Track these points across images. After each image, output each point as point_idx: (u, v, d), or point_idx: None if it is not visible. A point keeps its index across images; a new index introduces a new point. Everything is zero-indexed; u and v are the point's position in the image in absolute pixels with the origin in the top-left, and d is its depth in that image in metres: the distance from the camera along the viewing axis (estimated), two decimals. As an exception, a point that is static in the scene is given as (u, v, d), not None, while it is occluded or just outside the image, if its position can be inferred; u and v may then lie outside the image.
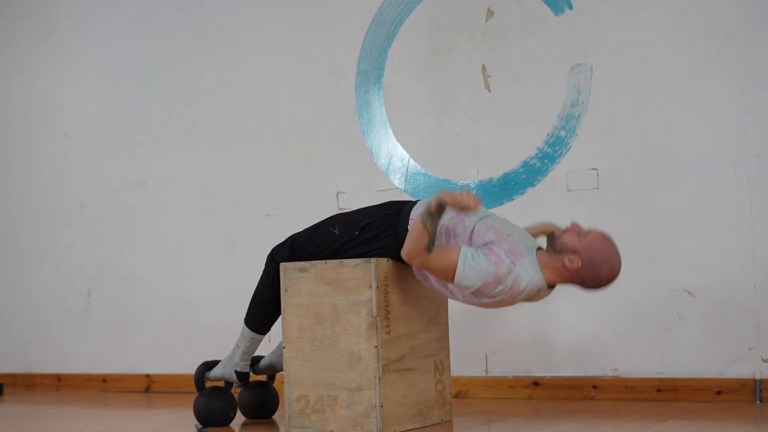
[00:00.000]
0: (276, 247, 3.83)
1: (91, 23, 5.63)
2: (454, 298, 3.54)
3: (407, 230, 3.55)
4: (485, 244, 3.45)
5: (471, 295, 3.46)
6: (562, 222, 4.37)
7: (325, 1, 4.94)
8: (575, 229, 3.49)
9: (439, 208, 3.39)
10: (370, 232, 3.64)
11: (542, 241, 3.69)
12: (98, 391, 5.44)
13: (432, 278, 3.55)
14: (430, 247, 3.41)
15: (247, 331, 3.89)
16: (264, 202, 5.06)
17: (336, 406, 3.58)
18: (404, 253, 3.46)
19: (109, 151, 5.55)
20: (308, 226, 3.83)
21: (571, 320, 4.35)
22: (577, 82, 4.35)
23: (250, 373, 4.01)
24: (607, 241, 3.46)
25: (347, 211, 3.91)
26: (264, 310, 3.85)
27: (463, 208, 3.36)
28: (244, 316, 3.89)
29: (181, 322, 5.29)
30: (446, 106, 4.62)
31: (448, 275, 3.43)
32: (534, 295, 3.52)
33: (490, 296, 3.43)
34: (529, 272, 3.43)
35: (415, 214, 3.59)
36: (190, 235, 5.29)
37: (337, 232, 3.70)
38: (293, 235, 3.81)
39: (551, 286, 3.53)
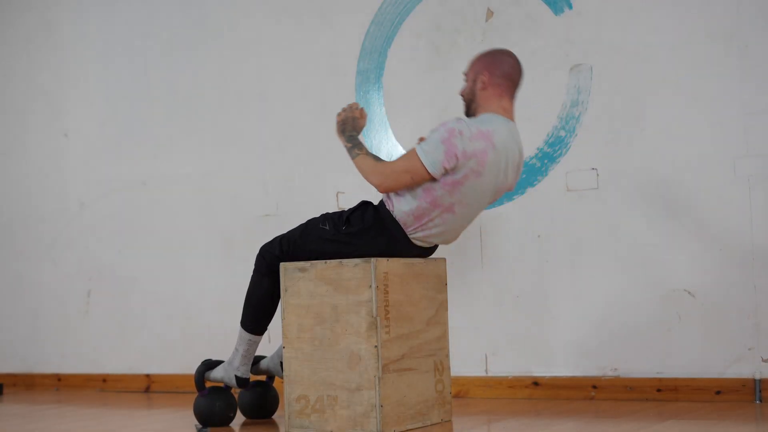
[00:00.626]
0: (265, 246, 3.83)
1: (91, 23, 5.63)
2: (446, 201, 3.59)
3: (388, 210, 3.65)
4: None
5: (452, 177, 3.54)
6: (561, 223, 4.37)
7: (325, 1, 4.94)
8: (464, 90, 3.75)
9: (346, 137, 3.72)
10: (357, 224, 3.65)
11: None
12: (98, 391, 5.44)
13: (421, 195, 3.58)
14: (377, 158, 3.64)
15: (244, 333, 3.89)
16: (264, 202, 5.06)
17: (336, 406, 3.58)
18: (375, 184, 3.60)
19: (109, 151, 5.55)
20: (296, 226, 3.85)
21: (571, 320, 4.35)
22: (577, 82, 4.35)
23: (250, 377, 4.02)
24: (481, 53, 3.76)
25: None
26: (258, 310, 3.85)
27: (353, 125, 3.72)
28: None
29: (181, 322, 5.29)
30: (446, 106, 4.62)
31: (418, 169, 3.53)
32: (511, 155, 3.67)
33: (463, 157, 3.52)
34: (475, 120, 3.61)
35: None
36: (190, 235, 5.29)
37: (327, 227, 3.70)
38: (281, 235, 3.82)
39: (507, 111, 3.72)
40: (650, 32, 4.22)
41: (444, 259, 3.86)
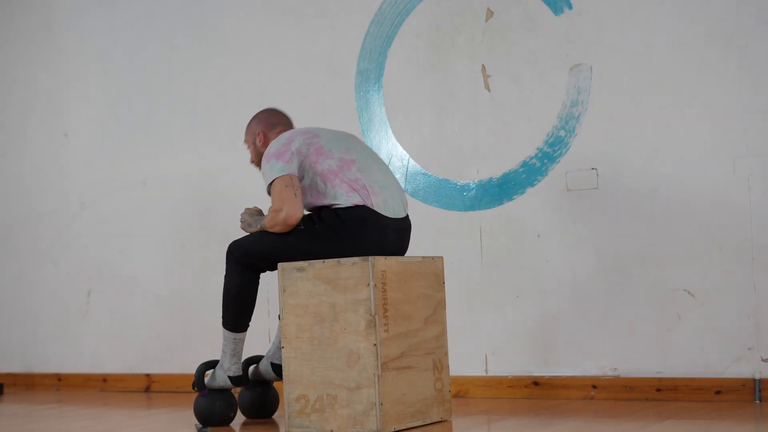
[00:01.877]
0: (233, 242, 3.87)
1: (91, 23, 5.64)
2: (333, 164, 3.75)
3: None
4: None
5: (310, 158, 3.75)
6: (561, 223, 4.37)
7: (325, 1, 4.94)
8: (252, 156, 4.10)
9: (254, 226, 3.90)
10: (330, 219, 3.69)
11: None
12: (98, 391, 5.44)
13: (319, 184, 3.73)
14: (261, 224, 3.83)
15: (228, 333, 3.90)
16: (264, 202, 5.05)
17: (335, 405, 3.58)
18: (285, 216, 3.68)
19: (109, 151, 5.55)
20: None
21: (571, 320, 4.35)
22: (576, 82, 4.35)
23: (247, 373, 4.01)
24: (251, 121, 4.11)
25: None
26: (237, 307, 3.86)
27: (250, 216, 3.93)
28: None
29: (181, 322, 5.30)
30: (446, 106, 4.62)
31: (284, 180, 3.71)
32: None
33: (293, 146, 3.78)
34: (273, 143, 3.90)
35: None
36: (190, 235, 5.29)
37: (302, 227, 3.72)
38: (252, 236, 3.85)
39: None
40: (650, 32, 4.22)
41: (441, 258, 3.86)
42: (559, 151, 4.38)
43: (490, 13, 4.54)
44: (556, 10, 4.40)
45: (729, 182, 4.07)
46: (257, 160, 4.07)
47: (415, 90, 4.71)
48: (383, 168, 3.86)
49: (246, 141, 4.10)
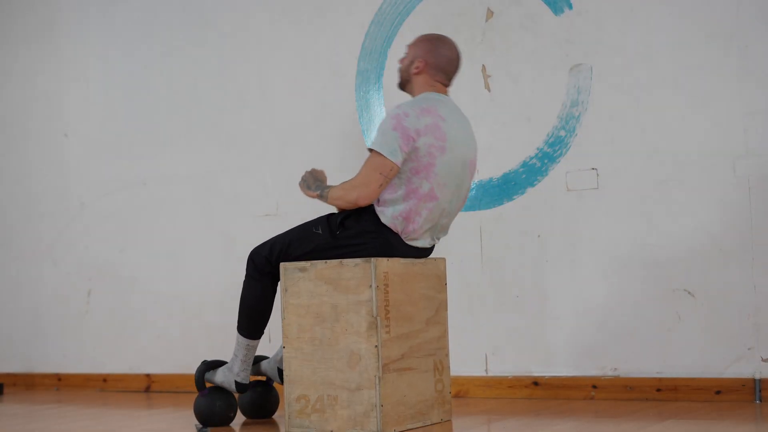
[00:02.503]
0: (255, 249, 3.83)
1: (91, 23, 5.63)
2: (425, 189, 3.61)
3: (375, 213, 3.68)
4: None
5: (420, 162, 3.58)
6: (561, 223, 4.37)
7: (325, 1, 4.94)
8: (401, 61, 3.84)
9: (313, 189, 3.78)
10: (353, 228, 3.66)
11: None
12: (98, 391, 5.44)
13: (400, 194, 3.61)
14: (324, 192, 3.72)
15: (242, 338, 3.89)
16: (264, 202, 5.06)
17: (336, 405, 3.58)
18: (355, 199, 3.61)
19: (109, 151, 5.55)
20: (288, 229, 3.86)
21: (571, 320, 4.35)
22: (576, 82, 4.35)
23: (249, 381, 4.02)
24: (426, 35, 3.84)
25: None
26: (253, 314, 3.85)
27: (314, 178, 3.82)
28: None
29: (181, 322, 5.30)
30: (446, 106, 4.62)
31: (382, 163, 3.56)
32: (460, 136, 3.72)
33: (417, 135, 3.57)
34: (413, 101, 3.70)
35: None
36: (190, 235, 5.29)
37: (320, 231, 3.70)
38: (273, 238, 3.82)
39: (440, 91, 3.78)
40: (650, 32, 4.22)
41: (444, 259, 3.86)
42: (559, 151, 4.38)
43: (490, 13, 4.55)
44: (556, 10, 4.40)
45: (729, 182, 4.07)
46: (403, 74, 3.82)
47: (415, 90, 4.70)
48: (453, 212, 3.77)
49: (403, 58, 3.83)
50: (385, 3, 4.77)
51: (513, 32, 4.49)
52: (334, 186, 3.74)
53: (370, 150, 3.62)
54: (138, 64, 5.48)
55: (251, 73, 5.14)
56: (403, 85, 3.86)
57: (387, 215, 3.63)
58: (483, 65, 4.54)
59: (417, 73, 3.78)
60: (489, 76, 4.54)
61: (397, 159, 3.57)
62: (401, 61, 3.85)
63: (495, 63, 4.52)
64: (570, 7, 4.37)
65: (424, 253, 3.78)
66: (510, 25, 4.50)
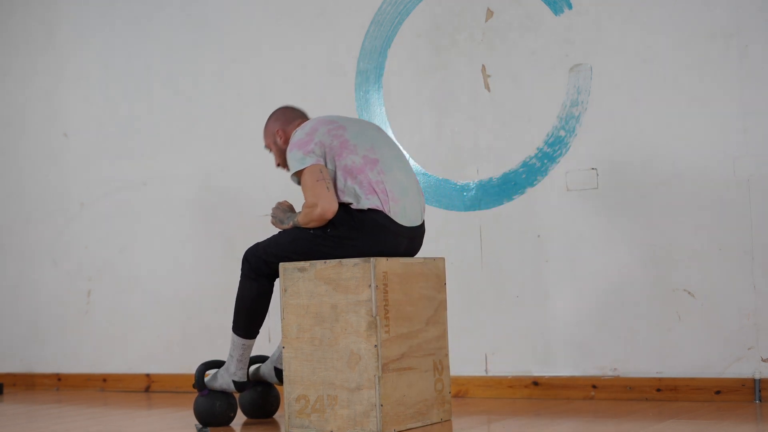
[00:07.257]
0: (249, 249, 3.85)
1: (91, 23, 5.63)
2: (359, 161, 3.70)
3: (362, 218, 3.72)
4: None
5: (334, 151, 3.70)
6: (561, 223, 4.37)
7: (325, 1, 4.95)
8: (269, 147, 4.02)
9: (286, 222, 3.85)
10: (343, 224, 3.67)
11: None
12: (98, 391, 5.44)
13: (347, 182, 3.69)
14: (294, 221, 3.79)
15: (237, 339, 3.89)
16: (264, 202, 5.06)
17: (336, 405, 3.58)
18: (321, 212, 3.64)
19: (109, 151, 5.55)
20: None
21: (571, 320, 4.35)
22: (576, 82, 4.35)
23: (248, 378, 4.01)
24: (267, 120, 4.03)
25: None
26: (249, 314, 3.85)
27: (283, 212, 3.90)
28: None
29: (181, 322, 5.30)
30: (446, 105, 4.63)
31: (312, 172, 3.67)
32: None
33: (317, 136, 3.73)
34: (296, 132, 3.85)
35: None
36: (190, 235, 5.29)
37: (311, 230, 3.71)
38: (268, 238, 3.83)
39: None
40: (650, 32, 4.22)
41: (443, 259, 3.86)
42: (559, 151, 4.38)
43: (490, 13, 4.55)
44: (556, 10, 4.40)
45: (729, 182, 4.07)
46: (282, 161, 3.98)
47: (415, 90, 4.71)
48: (406, 169, 3.82)
49: (267, 145, 4.01)
50: (385, 3, 4.77)
51: (513, 32, 4.49)
52: (299, 212, 3.78)
53: (296, 175, 3.74)
54: (138, 64, 5.48)
55: (251, 73, 5.14)
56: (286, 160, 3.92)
57: (361, 199, 3.67)
58: (483, 65, 4.54)
59: (285, 141, 3.95)
60: (489, 76, 4.54)
61: (314, 159, 3.69)
62: (268, 147, 4.01)
63: (495, 63, 4.52)
64: (570, 7, 4.37)
65: (416, 231, 3.79)
66: (510, 25, 4.50)
